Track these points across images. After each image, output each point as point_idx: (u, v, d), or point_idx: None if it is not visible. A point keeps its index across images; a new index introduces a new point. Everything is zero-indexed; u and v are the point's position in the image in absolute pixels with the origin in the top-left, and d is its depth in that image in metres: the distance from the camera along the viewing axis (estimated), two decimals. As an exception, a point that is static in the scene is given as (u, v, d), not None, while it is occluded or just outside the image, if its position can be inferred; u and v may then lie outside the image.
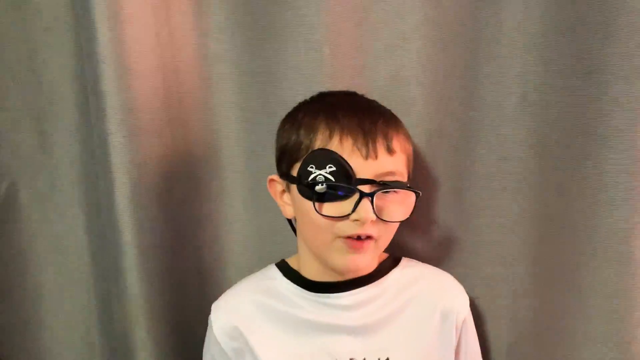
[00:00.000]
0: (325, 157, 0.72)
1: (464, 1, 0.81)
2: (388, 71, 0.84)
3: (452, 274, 0.84)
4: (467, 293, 0.83)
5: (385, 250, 0.80)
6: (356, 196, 0.71)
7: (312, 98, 0.80)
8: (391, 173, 0.73)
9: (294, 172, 0.74)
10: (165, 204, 0.87)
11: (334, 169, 0.71)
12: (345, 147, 0.72)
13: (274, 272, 0.82)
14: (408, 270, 0.82)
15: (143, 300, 0.87)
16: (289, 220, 0.83)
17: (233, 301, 0.82)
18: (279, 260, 0.84)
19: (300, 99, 0.82)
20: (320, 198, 0.72)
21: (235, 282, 0.88)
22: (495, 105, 0.82)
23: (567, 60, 0.78)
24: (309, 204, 0.73)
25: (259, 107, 0.88)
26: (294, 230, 0.82)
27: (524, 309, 0.87)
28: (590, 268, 0.80)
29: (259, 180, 0.88)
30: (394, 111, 0.79)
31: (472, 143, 0.85)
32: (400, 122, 0.78)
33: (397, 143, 0.74)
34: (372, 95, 0.81)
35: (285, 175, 0.77)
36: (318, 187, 0.71)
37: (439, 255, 0.88)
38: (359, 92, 0.81)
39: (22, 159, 0.93)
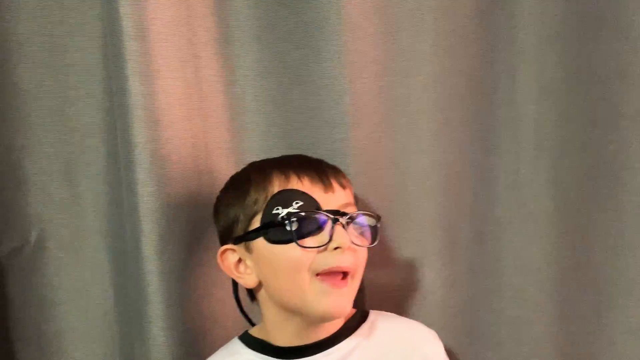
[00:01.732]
0: (289, 195, 0.73)
1: (476, 51, 0.85)
2: (406, 120, 0.87)
3: (475, 317, 0.85)
4: (490, 337, 0.83)
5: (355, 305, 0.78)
6: (329, 225, 0.71)
7: (247, 167, 0.81)
8: (349, 204, 0.75)
9: (255, 226, 0.74)
10: (192, 252, 0.88)
11: (301, 203, 0.72)
12: (305, 183, 0.73)
13: (237, 346, 0.80)
14: (378, 324, 0.80)
15: (167, 350, 0.87)
16: (249, 292, 0.81)
17: None
18: None
19: (322, 147, 0.85)
20: (296, 233, 0.71)
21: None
22: (512, 150, 0.85)
23: (583, 106, 0.81)
24: (282, 248, 0.72)
25: (282, 154, 0.88)
26: (238, 303, 0.82)
27: (548, 350, 0.87)
28: (615, 306, 0.81)
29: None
30: (410, 158, 0.81)
31: (491, 188, 0.87)
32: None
33: (344, 179, 0.77)
34: (390, 142, 0.83)
35: (242, 237, 0.75)
36: (293, 221, 0.70)
37: (462, 298, 0.88)
38: (379, 141, 0.83)
39: (52, 207, 0.94)
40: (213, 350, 0.90)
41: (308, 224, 0.71)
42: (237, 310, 0.88)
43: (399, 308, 0.88)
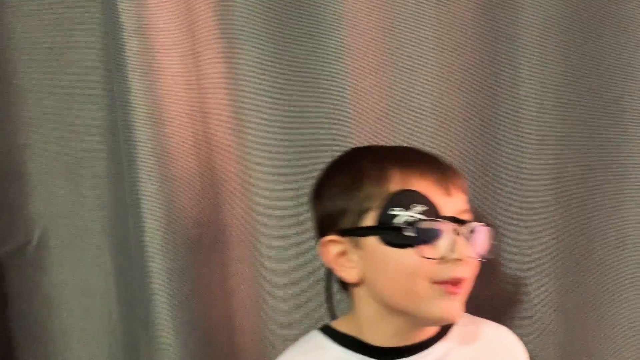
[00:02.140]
0: (410, 197, 0.68)
1: (478, 45, 0.84)
2: (408, 116, 0.87)
3: (476, 312, 0.84)
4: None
5: None
6: (449, 234, 0.68)
7: (351, 153, 0.77)
8: (467, 210, 0.71)
9: (367, 223, 0.70)
10: (195, 250, 0.88)
11: (422, 207, 0.68)
12: (426, 185, 0.69)
13: (321, 340, 0.75)
14: (469, 327, 0.78)
15: (171, 349, 0.86)
16: (343, 284, 0.77)
17: None
18: (313, 306, 0.82)
19: (322, 143, 0.85)
20: (417, 240, 0.67)
21: (266, 329, 0.89)
22: (515, 145, 0.84)
23: (585, 100, 0.81)
24: (399, 251, 0.68)
25: (284, 151, 0.90)
26: (329, 297, 0.79)
27: (548, 344, 0.87)
28: (616, 303, 0.81)
29: (288, 223, 0.90)
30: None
31: (493, 183, 0.86)
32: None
33: (463, 182, 0.73)
34: (392, 138, 0.83)
35: (351, 231, 0.71)
36: (416, 228, 0.66)
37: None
38: (381, 136, 0.83)
39: (55, 205, 0.94)
40: (218, 350, 0.91)
41: (428, 231, 0.67)
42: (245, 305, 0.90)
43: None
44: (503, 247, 0.87)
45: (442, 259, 0.68)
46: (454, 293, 0.69)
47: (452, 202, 0.69)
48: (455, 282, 0.69)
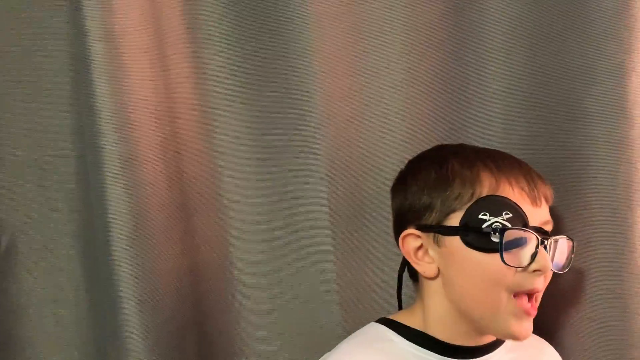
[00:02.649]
0: (499, 203, 0.69)
1: (445, 49, 0.85)
2: (377, 119, 0.87)
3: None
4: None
5: None
6: (533, 244, 0.68)
7: (437, 151, 0.78)
8: (549, 222, 0.73)
9: (452, 222, 0.71)
10: (162, 257, 0.87)
11: (510, 215, 0.68)
12: (515, 192, 0.70)
13: (383, 331, 0.74)
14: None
15: (140, 355, 0.86)
16: (413, 275, 0.77)
17: None
18: (283, 309, 0.83)
19: (292, 146, 0.85)
20: (503, 246, 0.68)
21: (236, 333, 0.89)
22: (482, 145, 0.85)
23: (550, 103, 0.82)
24: (481, 255, 0.69)
25: (255, 154, 0.90)
26: (399, 284, 0.79)
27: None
28: (582, 301, 0.82)
29: (259, 227, 0.90)
30: (382, 157, 0.81)
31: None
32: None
33: (549, 192, 0.74)
34: (362, 141, 0.83)
35: (434, 228, 0.72)
36: (503, 234, 0.67)
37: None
38: (350, 139, 0.83)
39: (23, 212, 0.94)
40: (187, 355, 0.91)
41: (514, 239, 0.68)
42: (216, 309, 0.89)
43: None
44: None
45: (524, 269, 0.69)
46: (529, 313, 0.70)
47: (538, 213, 0.71)
48: (531, 296, 0.70)
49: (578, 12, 0.77)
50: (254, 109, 0.89)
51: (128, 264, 0.84)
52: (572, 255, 0.74)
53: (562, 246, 0.73)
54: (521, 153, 0.83)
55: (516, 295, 0.70)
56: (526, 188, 0.71)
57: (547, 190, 0.74)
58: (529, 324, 0.71)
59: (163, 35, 0.86)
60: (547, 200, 0.73)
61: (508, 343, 0.77)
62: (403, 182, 0.77)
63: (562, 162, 0.82)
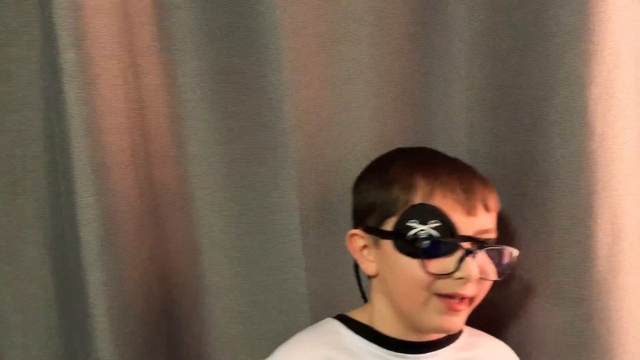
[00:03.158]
0: (429, 212, 0.71)
1: (412, 60, 0.87)
2: (346, 127, 0.88)
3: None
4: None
5: None
6: (459, 253, 0.71)
7: (395, 154, 0.80)
8: (488, 231, 0.74)
9: (388, 227, 0.74)
10: (133, 264, 0.87)
11: (438, 224, 0.71)
12: (447, 203, 0.72)
13: (336, 326, 0.78)
14: (473, 338, 0.81)
15: (110, 364, 0.86)
16: (357, 275, 0.82)
17: (300, 356, 0.77)
18: (256, 315, 0.83)
19: (263, 154, 0.86)
20: (426, 254, 0.71)
21: (208, 340, 0.89)
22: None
23: (513, 113, 0.84)
24: (408, 260, 0.72)
25: (226, 162, 0.91)
26: (359, 283, 0.82)
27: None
28: (545, 308, 0.84)
29: (230, 235, 0.91)
30: (351, 164, 0.82)
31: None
32: (490, 181, 0.78)
33: (492, 201, 0.75)
34: (332, 152, 0.84)
35: (373, 230, 0.76)
36: (425, 243, 0.70)
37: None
38: (320, 147, 0.85)
39: (-7, 219, 0.93)
40: (158, 360, 0.91)
41: (439, 247, 0.71)
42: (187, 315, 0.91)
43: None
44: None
45: (448, 276, 0.71)
46: (455, 309, 0.73)
47: (473, 222, 0.72)
48: (459, 299, 0.72)
49: (538, 25, 0.79)
50: (224, 116, 0.90)
51: (98, 270, 0.84)
52: (513, 264, 0.75)
53: (498, 255, 0.74)
54: (485, 163, 0.86)
55: (443, 295, 0.72)
56: (461, 198, 0.72)
57: (489, 200, 0.74)
58: (456, 318, 0.73)
59: (135, 43, 0.87)
60: (487, 209, 0.74)
61: (459, 342, 0.79)
62: (356, 183, 0.81)
63: (524, 172, 0.84)
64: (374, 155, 0.87)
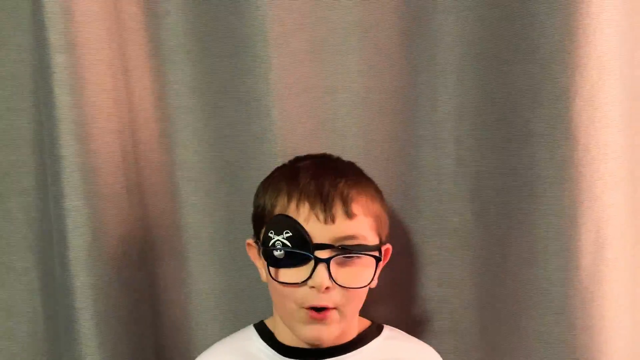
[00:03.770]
0: (283, 222, 0.72)
1: (399, 71, 0.88)
2: (333, 137, 0.89)
3: (398, 327, 0.86)
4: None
5: (368, 317, 0.80)
6: (312, 262, 0.71)
7: (289, 160, 0.81)
8: (351, 237, 0.72)
9: (261, 237, 0.75)
10: (120, 269, 0.87)
11: (290, 234, 0.71)
12: (302, 212, 0.72)
13: (250, 332, 0.81)
14: (391, 341, 0.80)
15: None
16: None
17: None
18: (243, 321, 0.83)
19: (251, 161, 0.87)
20: (278, 264, 0.72)
21: (195, 347, 0.90)
22: (434, 166, 0.88)
23: (499, 123, 0.84)
24: (271, 270, 0.73)
25: (215, 168, 0.91)
26: None
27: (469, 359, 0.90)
28: (530, 316, 0.84)
29: (218, 240, 0.91)
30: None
31: (414, 202, 0.89)
32: (368, 183, 0.77)
33: (357, 206, 0.73)
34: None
35: (256, 239, 0.78)
36: (276, 253, 0.72)
37: (385, 310, 0.90)
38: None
39: (-20, 222, 0.93)
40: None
41: (292, 257, 0.71)
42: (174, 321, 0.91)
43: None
44: (423, 264, 0.90)
45: (301, 285, 0.71)
46: (317, 319, 0.72)
47: (329, 229, 0.71)
48: (319, 309, 0.72)
49: (525, 36, 0.80)
50: (215, 123, 0.91)
51: (85, 275, 0.84)
52: (376, 271, 0.73)
53: (358, 262, 0.73)
54: (471, 172, 0.87)
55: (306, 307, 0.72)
56: (317, 205, 0.71)
57: (350, 205, 0.72)
58: (325, 328, 0.73)
59: (126, 49, 0.88)
60: (349, 216, 0.72)
61: (371, 345, 0.78)
62: (254, 197, 0.81)
63: (510, 182, 0.84)
64: (360, 165, 0.88)
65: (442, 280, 0.90)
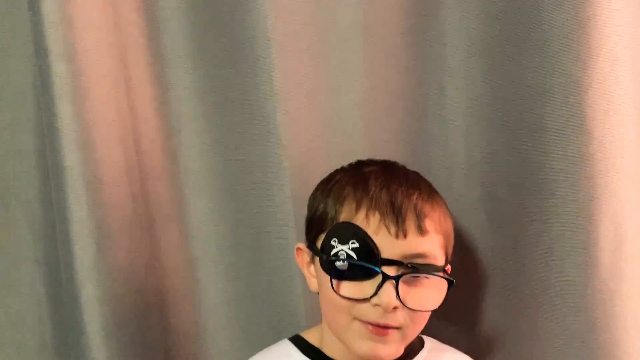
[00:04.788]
0: (349, 231, 0.67)
1: (406, 69, 0.86)
2: (339, 138, 0.87)
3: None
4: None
5: None
6: (379, 278, 0.65)
7: (350, 164, 0.76)
8: (421, 255, 0.67)
9: (319, 244, 0.70)
10: (127, 279, 0.86)
11: (356, 245, 0.66)
12: (372, 223, 0.67)
13: (289, 348, 0.75)
14: (435, 353, 0.76)
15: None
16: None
17: None
18: (254, 331, 0.81)
19: (256, 166, 0.85)
20: (340, 276, 0.67)
21: (205, 355, 0.88)
22: (445, 165, 0.86)
23: (509, 120, 0.82)
24: (327, 279, 0.68)
25: (220, 174, 0.90)
26: None
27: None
28: (549, 317, 0.82)
29: (225, 247, 0.90)
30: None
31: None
32: (439, 198, 0.73)
33: (430, 222, 0.69)
34: (325, 162, 0.83)
35: (310, 245, 0.73)
36: (338, 264, 0.67)
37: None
38: (313, 157, 0.83)
39: (-14, 234, 0.93)
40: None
41: (357, 269, 0.66)
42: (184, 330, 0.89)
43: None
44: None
45: (362, 301, 0.67)
46: (380, 335, 0.67)
47: (399, 244, 0.67)
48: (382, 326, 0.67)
49: (534, 30, 0.78)
50: (219, 128, 0.89)
51: (92, 286, 0.83)
52: (447, 294, 0.69)
53: (425, 283, 0.68)
54: (482, 170, 0.85)
55: (363, 322, 0.68)
56: (388, 217, 0.67)
57: (425, 221, 0.68)
58: (383, 346, 0.68)
59: (127, 56, 0.87)
60: (421, 232, 0.68)
61: (419, 358, 0.75)
62: (309, 200, 0.77)
63: (522, 179, 0.82)
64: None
65: (456, 282, 0.87)
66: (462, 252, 0.87)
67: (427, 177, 0.86)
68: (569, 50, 0.76)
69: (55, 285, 0.93)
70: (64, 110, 0.80)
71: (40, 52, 0.81)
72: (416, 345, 0.76)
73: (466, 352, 0.87)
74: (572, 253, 0.79)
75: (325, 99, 0.87)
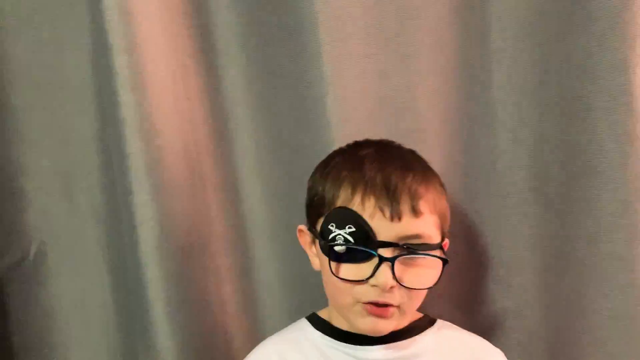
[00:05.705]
0: (346, 216, 0.69)
1: (453, 50, 0.88)
2: (387, 119, 0.89)
3: (467, 309, 0.86)
4: (481, 328, 0.85)
5: (419, 310, 0.77)
6: (376, 260, 0.68)
7: (347, 146, 0.78)
8: (417, 236, 0.69)
9: (318, 227, 0.73)
10: (189, 258, 0.90)
11: (353, 229, 0.68)
12: (367, 207, 0.69)
13: (303, 324, 0.80)
14: (444, 332, 0.78)
15: (170, 354, 0.89)
16: None
17: (260, 356, 0.79)
18: (308, 309, 0.84)
19: (308, 149, 0.87)
20: (339, 258, 0.70)
21: (260, 333, 0.91)
22: (490, 144, 0.87)
23: (556, 100, 0.83)
24: (327, 262, 0.71)
25: (273, 157, 0.93)
26: None
27: (534, 337, 0.90)
28: (597, 294, 0.83)
29: (278, 229, 0.93)
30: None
31: (471, 182, 0.89)
32: (435, 178, 0.75)
33: (425, 203, 0.70)
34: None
35: (311, 228, 0.76)
36: (337, 248, 0.69)
37: (454, 292, 0.90)
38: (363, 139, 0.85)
39: (51, 220, 0.97)
40: (215, 354, 0.94)
41: (355, 253, 0.69)
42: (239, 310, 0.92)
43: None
44: (481, 245, 0.90)
45: (363, 282, 0.69)
46: (378, 314, 0.70)
47: (394, 226, 0.69)
48: (383, 306, 0.70)
49: (581, 9, 0.79)
50: (271, 113, 0.92)
51: (155, 266, 0.87)
52: (442, 273, 0.70)
53: (421, 262, 0.70)
54: (530, 149, 0.86)
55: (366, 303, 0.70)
56: (383, 200, 0.68)
57: (418, 202, 0.69)
58: (377, 321, 0.71)
59: (181, 45, 0.90)
60: (415, 213, 0.69)
61: (427, 333, 0.77)
62: (308, 182, 0.79)
63: (570, 157, 0.83)
64: (415, 146, 0.87)
65: (501, 261, 0.89)
66: (507, 231, 0.88)
67: (471, 158, 0.88)
68: (618, 29, 0.76)
69: (118, 266, 0.97)
70: (127, 100, 0.84)
71: (100, 45, 0.85)
72: (425, 323, 0.78)
73: (513, 331, 0.89)
74: (621, 229, 0.80)
75: (373, 82, 0.88)
